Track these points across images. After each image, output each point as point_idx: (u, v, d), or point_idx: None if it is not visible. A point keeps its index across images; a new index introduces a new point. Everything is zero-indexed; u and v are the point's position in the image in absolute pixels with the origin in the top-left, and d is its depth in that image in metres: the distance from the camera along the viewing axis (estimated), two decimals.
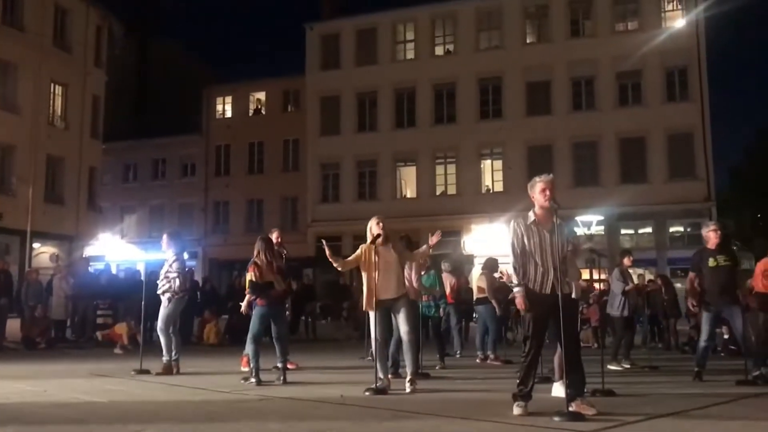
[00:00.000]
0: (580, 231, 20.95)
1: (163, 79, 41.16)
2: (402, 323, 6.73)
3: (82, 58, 27.77)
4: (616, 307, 9.64)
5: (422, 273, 9.11)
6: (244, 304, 7.67)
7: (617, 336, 9.79)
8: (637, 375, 8.53)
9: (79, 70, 27.39)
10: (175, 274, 8.21)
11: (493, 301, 10.46)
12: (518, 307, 5.22)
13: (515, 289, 5.17)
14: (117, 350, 11.84)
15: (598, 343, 13.40)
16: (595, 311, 14.51)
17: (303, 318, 17.05)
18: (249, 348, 7.36)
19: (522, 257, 5.20)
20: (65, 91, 27.04)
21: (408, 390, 6.48)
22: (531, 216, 5.28)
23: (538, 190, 5.29)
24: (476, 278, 10.64)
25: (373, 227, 6.85)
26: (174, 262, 8.30)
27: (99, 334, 13.17)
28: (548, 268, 5.12)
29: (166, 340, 8.25)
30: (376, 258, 6.63)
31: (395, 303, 6.76)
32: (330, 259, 6.84)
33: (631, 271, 10.01)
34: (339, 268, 6.92)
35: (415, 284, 7.92)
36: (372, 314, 6.74)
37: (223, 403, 5.73)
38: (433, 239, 6.77)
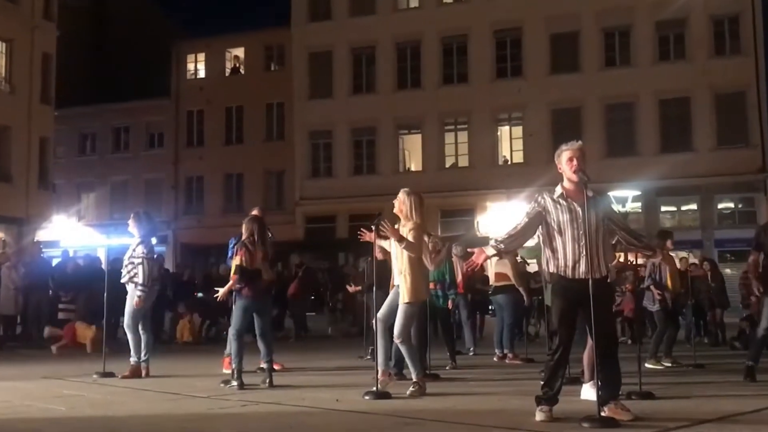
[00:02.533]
0: (613, 207, 20.94)
1: (125, 35, 40.85)
2: (397, 322, 6.78)
3: (29, 10, 27.56)
4: (653, 300, 9.67)
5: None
6: (222, 291, 7.66)
7: (658, 330, 9.82)
8: (680, 375, 8.56)
9: (25, 22, 27.19)
10: (140, 260, 8.22)
11: (521, 289, 10.50)
12: (474, 260, 5.40)
13: (488, 248, 5.23)
14: (54, 349, 11.87)
15: (634, 337, 13.46)
16: (630, 301, 14.54)
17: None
18: (231, 346, 7.40)
19: (524, 228, 5.26)
20: (9, 48, 26.88)
21: (411, 393, 6.53)
22: (558, 190, 5.29)
23: (564, 159, 5.28)
24: (493, 263, 10.63)
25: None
26: (139, 245, 8.31)
27: (47, 330, 13.07)
28: (580, 248, 5.12)
29: (134, 338, 8.29)
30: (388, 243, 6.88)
31: (399, 290, 6.83)
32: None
33: (673, 254, 10.01)
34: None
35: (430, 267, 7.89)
36: (388, 299, 6.96)
37: (200, 410, 5.76)
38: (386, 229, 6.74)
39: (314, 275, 17.96)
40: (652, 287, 9.61)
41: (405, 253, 6.75)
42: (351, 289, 13.07)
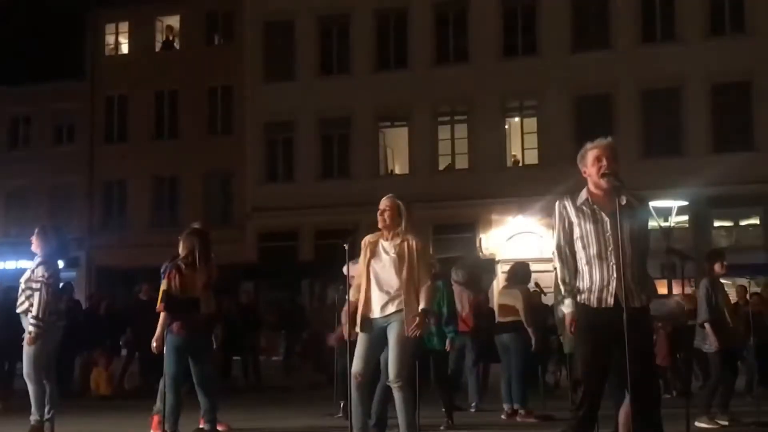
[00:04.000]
0: (653, 222, 21.06)
1: None
2: (392, 361, 6.75)
3: None
4: (708, 339, 9.69)
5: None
6: (156, 336, 7.61)
7: (713, 379, 9.85)
8: None
9: None
10: (38, 284, 8.14)
11: (530, 330, 10.52)
12: (567, 329, 5.27)
13: (565, 303, 5.21)
14: None
15: (679, 388, 13.50)
16: (664, 344, 14.55)
17: (239, 356, 17.02)
18: (166, 399, 7.35)
19: (572, 256, 5.24)
20: None
21: None
22: (583, 195, 5.33)
23: (590, 160, 5.33)
24: (498, 294, 10.68)
25: (378, 215, 7.03)
26: (39, 266, 8.25)
27: None
28: (610, 269, 5.15)
29: (37, 390, 8.20)
30: (370, 259, 6.82)
31: (387, 324, 6.79)
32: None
33: (726, 281, 10.09)
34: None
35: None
36: (361, 339, 6.87)
37: None
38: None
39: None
40: (707, 324, 9.61)
41: (405, 272, 6.79)
42: (331, 341, 12.38)
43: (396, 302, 6.80)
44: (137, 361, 15.00)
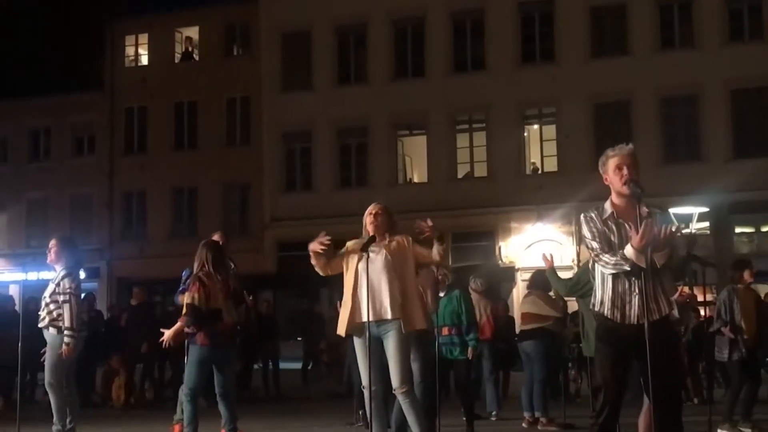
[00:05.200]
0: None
1: (44, 10, 41.00)
2: (393, 369, 6.73)
3: None
4: (726, 350, 9.66)
5: (439, 294, 9.13)
6: (168, 334, 7.64)
7: (732, 386, 9.81)
8: None
9: None
10: (66, 297, 8.19)
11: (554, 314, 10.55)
12: (636, 246, 5.05)
13: (627, 249, 5.09)
14: None
15: (701, 396, 13.45)
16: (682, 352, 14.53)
17: (259, 365, 17.07)
18: (184, 409, 7.39)
19: (607, 243, 5.20)
20: None
21: None
22: (608, 208, 5.33)
23: (611, 168, 5.33)
24: (521, 302, 10.67)
25: (366, 222, 6.95)
26: (64, 278, 8.29)
27: None
28: (632, 284, 5.15)
29: (58, 400, 8.24)
30: (363, 264, 6.74)
31: (383, 330, 6.76)
32: (311, 251, 6.95)
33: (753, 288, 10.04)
34: (318, 268, 7.04)
35: (429, 304, 7.93)
36: (359, 347, 6.84)
37: None
38: (425, 225, 6.73)
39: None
40: (724, 330, 9.59)
41: (408, 269, 6.79)
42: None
43: (390, 310, 6.73)
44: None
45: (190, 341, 7.47)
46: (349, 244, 6.98)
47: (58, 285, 8.29)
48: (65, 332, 8.18)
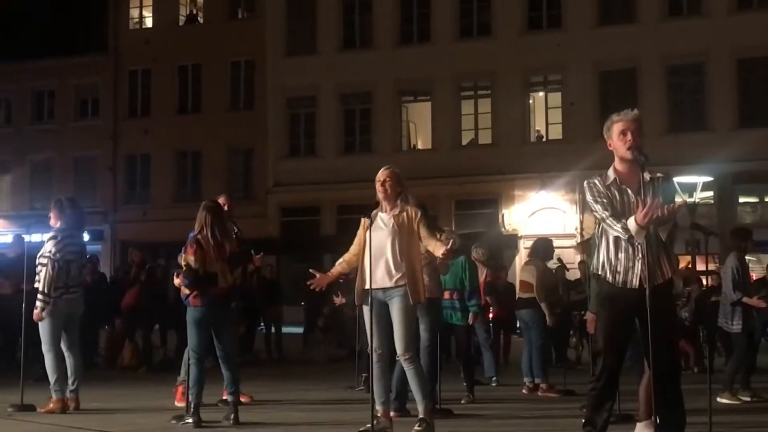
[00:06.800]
0: (678, 198, 20.91)
1: None
2: (398, 335, 6.77)
3: None
4: (731, 318, 9.63)
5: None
6: (177, 281, 7.68)
7: (735, 355, 9.83)
8: (761, 412, 8.62)
9: None
10: (45, 260, 8.13)
11: (543, 305, 10.53)
12: (640, 222, 5.01)
13: (630, 222, 5.08)
14: None
15: (700, 364, 13.49)
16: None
17: (261, 328, 17.13)
18: (190, 371, 7.43)
19: (613, 209, 5.18)
20: None
21: None
22: (611, 175, 5.32)
23: (615, 133, 5.32)
24: (520, 269, 10.68)
25: (378, 185, 6.94)
26: (48, 241, 8.26)
27: None
28: (635, 249, 5.16)
29: (54, 361, 8.28)
30: (368, 232, 6.74)
31: (388, 296, 6.80)
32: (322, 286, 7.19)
33: (751, 257, 10.06)
34: (342, 275, 7.26)
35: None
36: (366, 314, 6.86)
37: None
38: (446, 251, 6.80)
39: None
40: (747, 300, 9.44)
41: (414, 240, 6.81)
42: (337, 300, 13.08)
43: (395, 277, 6.76)
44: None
45: (185, 302, 7.51)
46: (365, 219, 6.96)
47: (54, 245, 8.30)
48: (38, 296, 8.23)
